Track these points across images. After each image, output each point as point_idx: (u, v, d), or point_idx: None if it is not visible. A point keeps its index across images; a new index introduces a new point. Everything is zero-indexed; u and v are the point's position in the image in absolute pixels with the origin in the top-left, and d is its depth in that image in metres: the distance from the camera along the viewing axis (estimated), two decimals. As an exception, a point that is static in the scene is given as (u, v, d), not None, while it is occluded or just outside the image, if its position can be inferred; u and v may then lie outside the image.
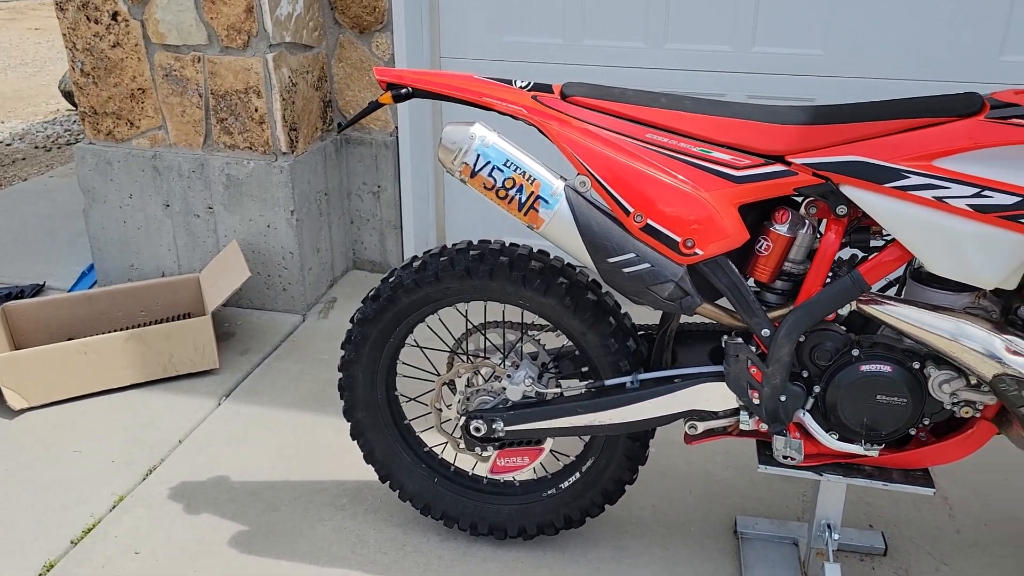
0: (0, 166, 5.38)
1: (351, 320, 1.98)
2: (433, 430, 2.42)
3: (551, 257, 1.86)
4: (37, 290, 3.41)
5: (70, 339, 3.00)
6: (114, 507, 2.26)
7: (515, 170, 1.63)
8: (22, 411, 2.65)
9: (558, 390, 1.86)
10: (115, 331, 3.03)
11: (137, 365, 2.77)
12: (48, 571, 2.06)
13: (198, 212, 3.17)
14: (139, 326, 3.07)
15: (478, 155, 1.63)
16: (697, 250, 1.60)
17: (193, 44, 2.93)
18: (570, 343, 1.96)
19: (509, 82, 1.70)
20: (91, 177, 3.21)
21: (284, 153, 3.04)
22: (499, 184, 1.63)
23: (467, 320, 2.02)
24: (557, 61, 3.24)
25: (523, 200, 1.63)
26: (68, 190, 4.56)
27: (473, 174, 1.65)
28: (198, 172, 3.11)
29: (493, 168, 1.63)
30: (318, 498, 2.29)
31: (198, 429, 2.58)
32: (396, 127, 3.32)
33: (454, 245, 1.88)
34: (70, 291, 3.40)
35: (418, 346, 2.03)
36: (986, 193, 1.43)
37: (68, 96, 6.71)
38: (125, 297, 3.05)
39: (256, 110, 2.97)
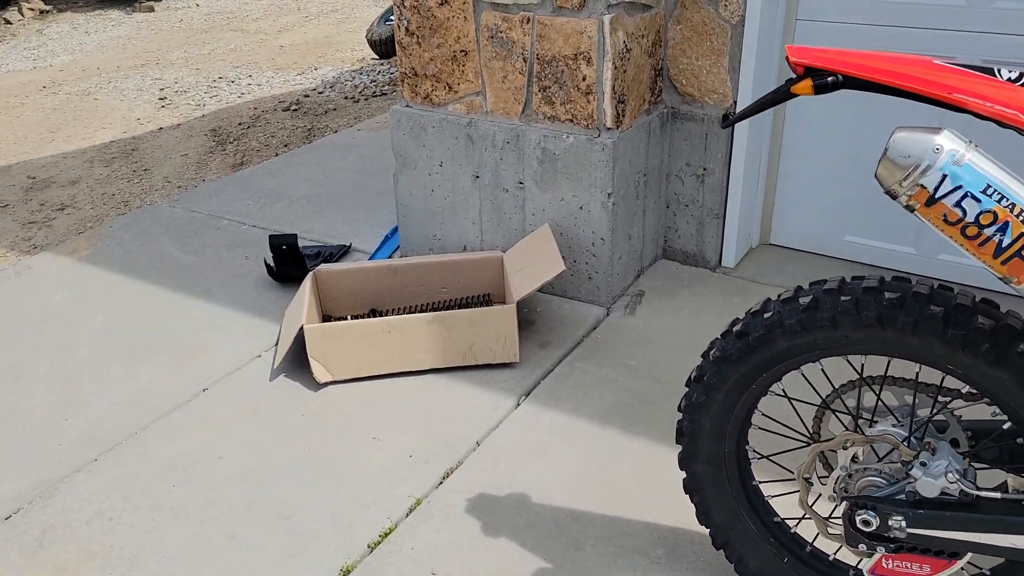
0: (314, 115, 5.59)
1: (703, 356, 1.61)
2: (785, 496, 2.01)
3: (1003, 311, 1.36)
4: (344, 251, 3.39)
5: (372, 310, 2.91)
6: (411, 512, 2.10)
7: (999, 200, 1.15)
8: (325, 384, 2.58)
9: (995, 494, 1.37)
10: (415, 307, 2.90)
11: (438, 350, 2.60)
12: (346, 575, 1.93)
13: (507, 186, 2.95)
14: (439, 304, 2.91)
15: (944, 176, 1.17)
16: None
17: (524, 3, 2.66)
18: (1005, 422, 1.45)
19: (990, 71, 1.21)
20: (404, 141, 3.09)
21: (608, 128, 2.71)
22: (970, 218, 1.17)
23: (858, 371, 1.57)
24: (957, 28, 2.61)
25: (1005, 244, 1.15)
26: (375, 146, 4.58)
27: (931, 201, 1.19)
28: (512, 144, 2.87)
29: (965, 195, 1.17)
30: (628, 542, 1.97)
31: (496, 431, 2.36)
32: (734, 101, 2.87)
33: (858, 280, 1.44)
34: (373, 257, 3.34)
35: (785, 396, 1.62)
36: None
37: (374, 45, 6.88)
38: (428, 272, 2.91)
39: (584, 79, 2.66)
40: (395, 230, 3.48)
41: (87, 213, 4.14)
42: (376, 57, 7.05)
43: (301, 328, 2.55)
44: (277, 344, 2.79)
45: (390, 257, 3.32)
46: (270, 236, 3.10)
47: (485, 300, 2.92)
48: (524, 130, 2.84)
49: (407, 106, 3.07)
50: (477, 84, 2.88)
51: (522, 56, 2.74)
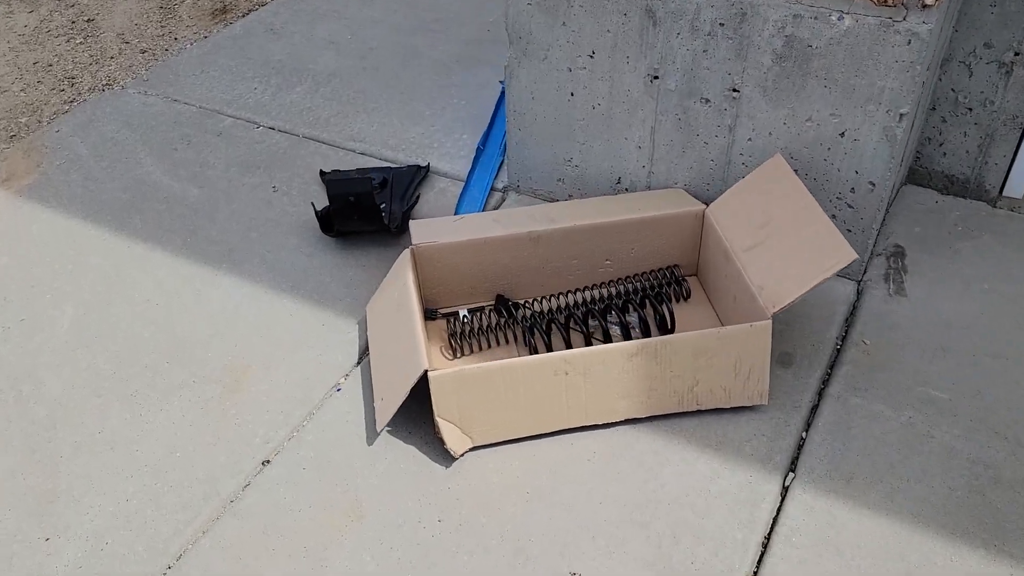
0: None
1: None
2: None
3: None
4: (422, 176, 2.27)
5: (500, 297, 1.87)
6: None
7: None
8: (463, 453, 1.60)
9: None
10: (566, 292, 1.86)
11: (641, 394, 1.60)
12: None
13: (709, 94, 1.83)
14: (604, 285, 1.87)
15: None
16: None
17: None
18: None
19: None
20: (527, 14, 1.91)
21: (925, 6, 1.57)
22: None
23: None
24: None
25: None
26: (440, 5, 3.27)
27: None
28: (731, 27, 1.72)
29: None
30: None
31: (769, 554, 1.42)
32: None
33: None
34: (469, 187, 2.23)
35: None
36: None
37: None
38: (590, 237, 1.84)
39: (894, -83, 1.49)
40: (487, 139, 2.36)
41: (17, 99, 2.90)
42: None
43: (424, 373, 1.53)
44: (363, 362, 1.77)
45: (493, 183, 2.23)
46: (325, 177, 1.99)
47: (673, 278, 1.88)
48: (756, 3, 1.68)
49: (535, -45, 1.87)
50: (671, -80, 1.68)
51: None
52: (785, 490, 1.52)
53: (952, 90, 1.99)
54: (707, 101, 1.84)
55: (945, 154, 2.08)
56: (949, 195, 2.13)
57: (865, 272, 1.93)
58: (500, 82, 2.54)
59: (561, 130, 2.05)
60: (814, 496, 1.50)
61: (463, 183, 2.25)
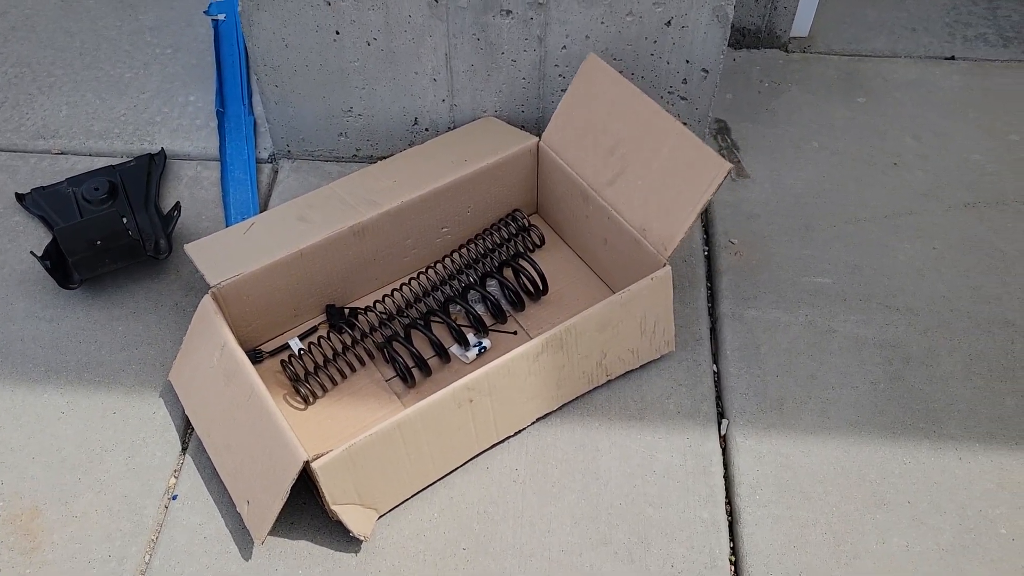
0: None
1: None
2: None
3: None
4: (160, 167, 1.76)
5: (330, 307, 1.51)
6: None
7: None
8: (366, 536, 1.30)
9: None
10: (408, 281, 1.54)
11: (551, 388, 1.37)
12: None
13: (510, 5, 1.50)
14: (448, 257, 1.57)
15: None
16: None
17: None
18: None
19: None
20: (254, -58, 1.44)
21: None
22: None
23: None
24: None
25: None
26: None
27: None
28: (524, -81, 1.39)
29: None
30: None
31: (741, 524, 1.31)
32: None
33: None
34: (226, 164, 1.76)
35: None
36: None
37: None
38: (416, 210, 1.51)
39: None
40: (225, 92, 1.87)
41: None
42: None
43: (305, 464, 1.18)
44: (190, 444, 1.36)
45: (256, 153, 1.78)
46: (56, 229, 1.46)
47: (520, 227, 1.62)
48: None
49: None
50: None
51: None
52: (725, 441, 1.40)
53: (738, -62, 1.81)
54: (508, 13, 1.52)
55: (735, 7, 1.93)
56: (743, 48, 2.01)
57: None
58: (205, 12, 2.01)
59: (331, 77, 1.63)
60: (756, 439, 1.39)
61: (218, 162, 1.78)
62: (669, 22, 1.52)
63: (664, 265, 1.38)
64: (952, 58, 1.97)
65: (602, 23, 1.53)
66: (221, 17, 1.98)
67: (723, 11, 1.50)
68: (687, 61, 1.58)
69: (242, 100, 1.86)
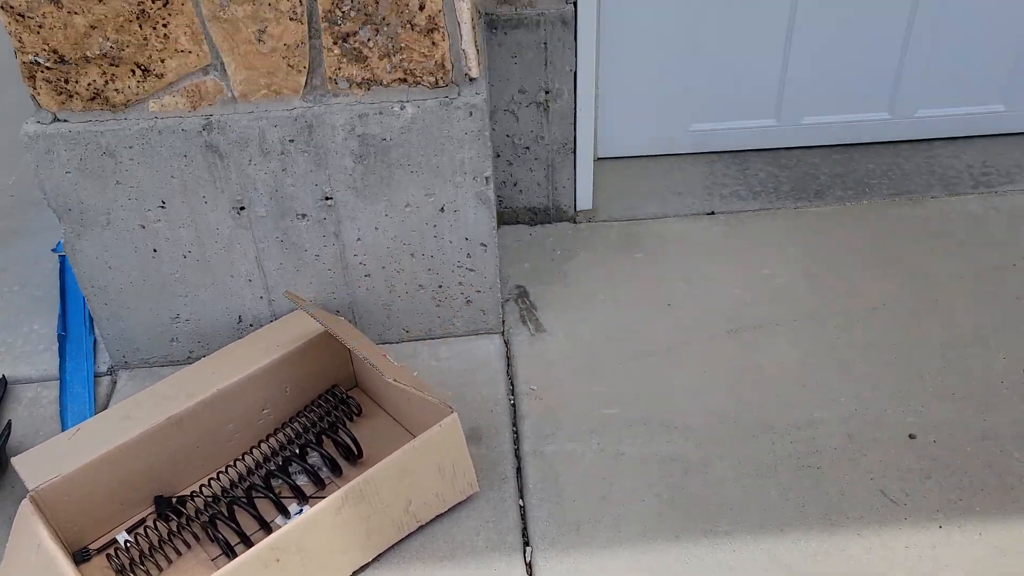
0: None
1: None
2: None
3: None
4: (1, 392, 1.88)
5: (159, 498, 1.62)
6: None
7: None
8: None
9: None
10: (234, 462, 1.67)
11: (360, 539, 1.49)
12: None
13: (304, 209, 1.75)
14: (273, 436, 1.71)
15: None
16: None
17: None
18: None
19: None
20: (72, 184, 1.67)
21: (472, 79, 1.66)
22: None
23: None
24: None
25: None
26: None
27: None
28: (301, 141, 1.66)
29: None
30: None
31: (550, 639, 1.42)
32: (581, -9, 1.97)
33: None
34: (66, 383, 1.90)
35: None
36: None
37: None
38: (232, 396, 1.67)
39: (421, 7, 1.54)
40: (68, 317, 2.03)
41: None
42: None
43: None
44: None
45: (95, 369, 1.92)
46: None
47: (337, 400, 1.79)
48: (319, 113, 1.64)
49: (55, 120, 1.62)
50: (201, 53, 1.57)
51: (294, -12, 1.50)
52: (530, 567, 1.53)
53: (507, 135, 2.15)
54: (304, 216, 1.76)
55: (522, 191, 2.25)
56: (538, 224, 2.31)
57: (504, 322, 2.01)
58: (53, 250, 2.21)
59: (155, 290, 1.83)
60: (557, 560, 1.53)
61: (57, 382, 1.91)
62: (442, 208, 1.79)
63: (451, 412, 1.56)
64: (712, 213, 2.30)
65: (386, 215, 1.78)
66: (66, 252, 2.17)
67: (485, 195, 1.77)
68: (466, 238, 1.84)
69: (84, 321, 2.02)
